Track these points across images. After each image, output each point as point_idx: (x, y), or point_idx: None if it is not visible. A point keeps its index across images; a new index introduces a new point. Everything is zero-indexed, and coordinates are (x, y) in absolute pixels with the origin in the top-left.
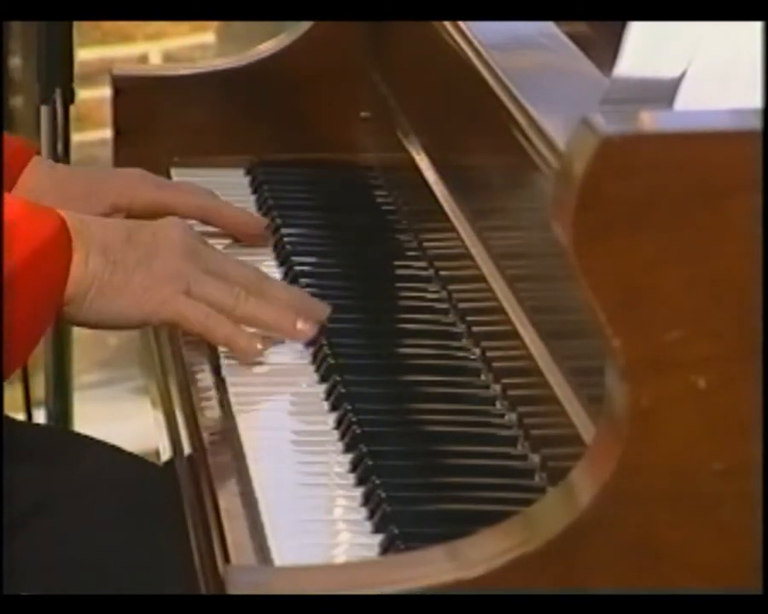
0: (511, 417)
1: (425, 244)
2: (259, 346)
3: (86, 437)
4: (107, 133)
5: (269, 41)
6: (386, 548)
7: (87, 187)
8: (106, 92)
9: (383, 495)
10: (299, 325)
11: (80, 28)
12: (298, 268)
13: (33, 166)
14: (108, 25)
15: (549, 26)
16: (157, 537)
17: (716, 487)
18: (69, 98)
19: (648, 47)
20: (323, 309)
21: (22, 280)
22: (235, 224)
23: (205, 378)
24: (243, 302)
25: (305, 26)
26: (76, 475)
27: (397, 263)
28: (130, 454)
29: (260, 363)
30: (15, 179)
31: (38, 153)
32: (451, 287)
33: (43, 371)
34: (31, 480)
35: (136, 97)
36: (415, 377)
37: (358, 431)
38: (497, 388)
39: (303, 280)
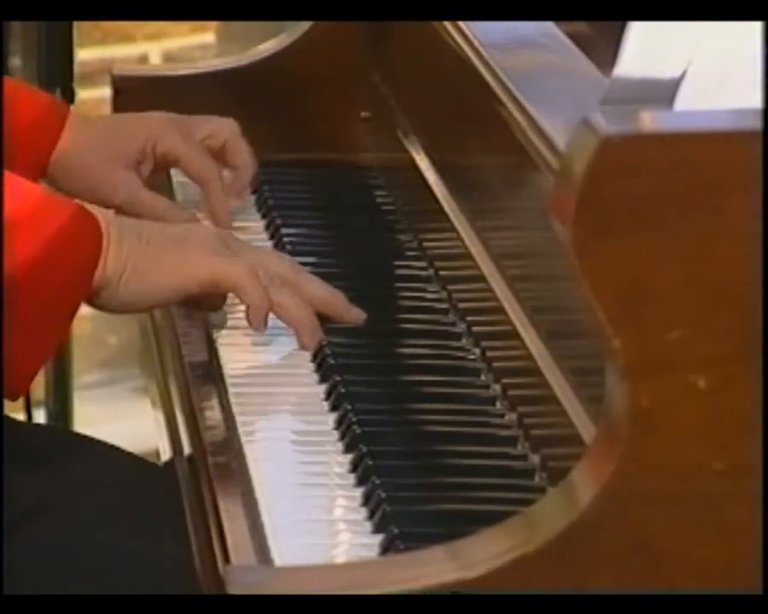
0: (511, 417)
1: (425, 244)
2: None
3: (86, 437)
4: None
5: (269, 41)
6: (386, 548)
7: (120, 138)
8: (106, 92)
9: (383, 495)
10: (319, 337)
11: (80, 28)
12: None
13: (71, 125)
14: (108, 25)
15: (549, 26)
16: (157, 537)
17: (716, 487)
18: (69, 98)
19: (648, 47)
20: (358, 314)
21: (42, 270)
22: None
23: (205, 378)
24: (277, 287)
25: (305, 26)
26: (76, 475)
27: (397, 263)
28: (130, 454)
29: (260, 363)
30: (55, 139)
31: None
32: (451, 287)
33: (43, 371)
34: (31, 480)
35: (136, 97)
36: (415, 377)
37: (358, 431)
38: (497, 388)
39: None
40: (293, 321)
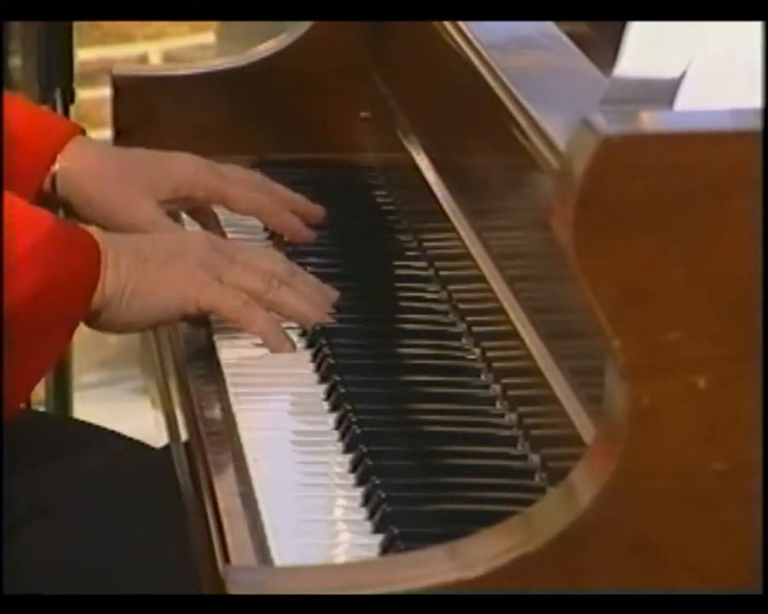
0: (511, 417)
1: (425, 244)
2: (289, 346)
3: (89, 424)
4: (107, 133)
5: (269, 41)
6: (386, 548)
7: (150, 171)
8: (106, 92)
9: (383, 495)
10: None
11: (80, 28)
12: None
13: (85, 144)
14: (108, 25)
15: (549, 26)
16: (157, 537)
17: (716, 487)
18: (69, 98)
19: (648, 47)
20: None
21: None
22: (284, 227)
23: (205, 378)
24: (275, 288)
25: (305, 26)
26: (77, 467)
27: (397, 263)
28: (131, 439)
29: (260, 364)
30: (51, 153)
31: (84, 132)
32: (451, 287)
33: None
34: (31, 475)
35: (136, 97)
36: (414, 377)
37: (358, 431)
38: (497, 388)
39: None
40: (296, 316)
